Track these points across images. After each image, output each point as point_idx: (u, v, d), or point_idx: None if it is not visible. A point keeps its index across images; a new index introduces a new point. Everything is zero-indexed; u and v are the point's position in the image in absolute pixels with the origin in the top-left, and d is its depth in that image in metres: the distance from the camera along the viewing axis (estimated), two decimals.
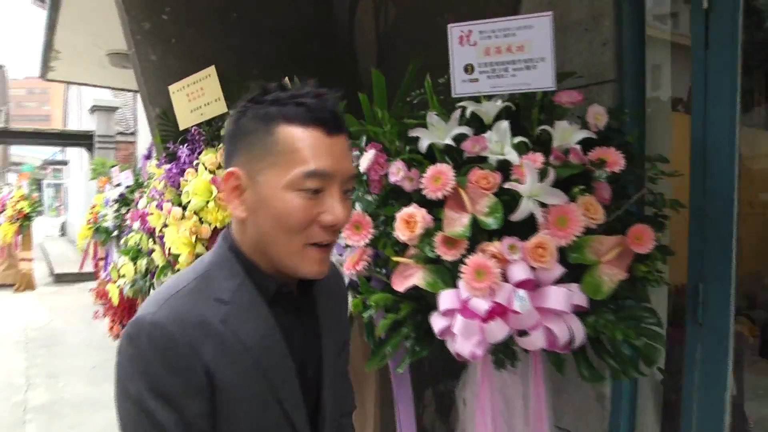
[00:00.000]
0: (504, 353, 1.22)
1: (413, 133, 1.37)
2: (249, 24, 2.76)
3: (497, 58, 1.36)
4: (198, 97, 2.31)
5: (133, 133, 13.17)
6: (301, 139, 0.84)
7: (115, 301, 3.19)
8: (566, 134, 1.29)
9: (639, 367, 1.29)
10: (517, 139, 1.29)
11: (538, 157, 1.22)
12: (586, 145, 1.32)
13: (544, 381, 1.30)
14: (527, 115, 1.40)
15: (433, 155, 1.37)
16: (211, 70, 2.25)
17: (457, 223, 1.20)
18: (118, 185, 4.73)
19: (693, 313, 1.52)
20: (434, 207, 1.25)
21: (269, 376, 0.88)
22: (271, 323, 0.89)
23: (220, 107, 2.25)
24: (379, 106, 1.54)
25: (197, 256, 2.05)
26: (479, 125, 1.37)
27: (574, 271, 1.21)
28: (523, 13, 1.78)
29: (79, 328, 6.71)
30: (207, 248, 2.03)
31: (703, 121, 1.50)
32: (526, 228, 1.21)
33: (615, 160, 1.26)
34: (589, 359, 1.29)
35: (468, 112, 1.37)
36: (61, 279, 10.85)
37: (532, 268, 1.16)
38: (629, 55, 1.68)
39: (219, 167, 2.12)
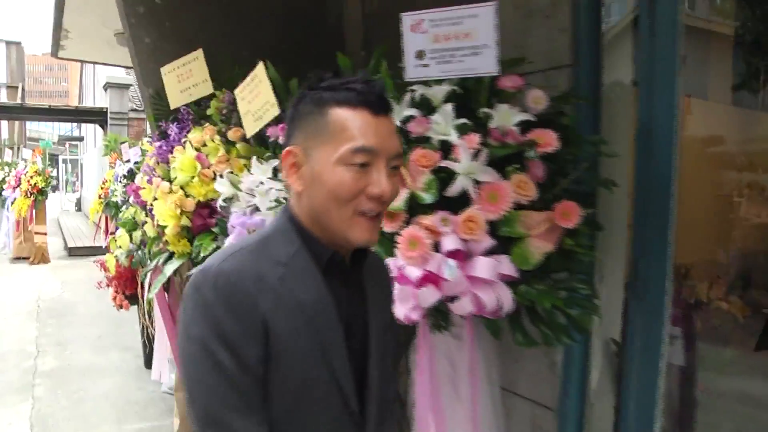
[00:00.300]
0: (439, 317, 1.33)
1: None
2: (241, 8, 2.83)
3: (446, 45, 1.44)
4: (187, 78, 2.42)
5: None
6: (350, 119, 0.92)
7: (112, 270, 3.35)
8: (505, 116, 1.38)
9: (571, 334, 1.40)
10: (460, 121, 1.39)
11: (475, 138, 1.32)
12: (532, 127, 1.41)
13: (479, 344, 1.41)
14: (477, 98, 1.49)
15: None
16: (199, 53, 2.36)
17: (398, 198, 1.30)
18: (128, 161, 4.88)
19: (634, 287, 1.62)
20: None
21: (320, 334, 0.95)
22: (324, 289, 0.97)
23: (207, 88, 2.37)
24: None
25: (182, 227, 2.18)
26: (429, 108, 1.47)
27: (506, 243, 1.31)
28: None
29: (89, 299, 6.91)
30: (191, 221, 2.15)
31: (649, 106, 1.58)
32: (464, 203, 1.31)
33: (548, 141, 1.35)
34: (524, 326, 1.39)
35: (417, 96, 1.46)
36: (74, 252, 11.12)
37: (464, 240, 1.26)
38: (585, 40, 1.75)
39: (204, 145, 2.23)
